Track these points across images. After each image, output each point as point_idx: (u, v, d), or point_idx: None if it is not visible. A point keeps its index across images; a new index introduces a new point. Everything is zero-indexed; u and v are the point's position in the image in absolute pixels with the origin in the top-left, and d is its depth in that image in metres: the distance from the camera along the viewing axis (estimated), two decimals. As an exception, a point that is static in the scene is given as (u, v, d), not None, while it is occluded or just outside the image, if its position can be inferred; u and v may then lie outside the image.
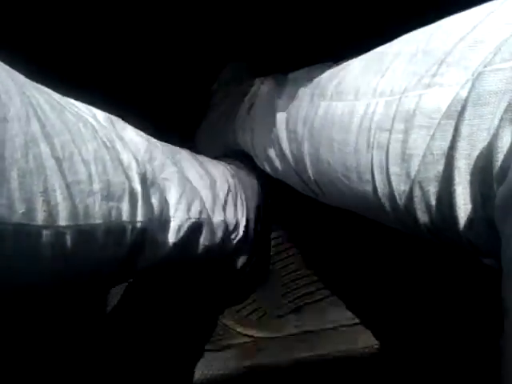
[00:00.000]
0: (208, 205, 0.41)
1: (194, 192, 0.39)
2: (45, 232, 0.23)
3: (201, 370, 0.49)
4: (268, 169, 0.47)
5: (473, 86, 0.21)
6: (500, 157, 0.19)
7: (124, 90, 0.56)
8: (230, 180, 0.47)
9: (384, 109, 0.27)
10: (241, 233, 0.47)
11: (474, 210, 0.22)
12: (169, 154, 0.38)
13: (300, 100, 0.38)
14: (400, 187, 0.27)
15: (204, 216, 0.39)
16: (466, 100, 0.21)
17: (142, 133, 0.36)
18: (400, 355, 0.47)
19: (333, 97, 0.34)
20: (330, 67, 0.37)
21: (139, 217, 0.31)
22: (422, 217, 0.26)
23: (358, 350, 0.48)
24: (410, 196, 0.26)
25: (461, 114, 0.21)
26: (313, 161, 0.36)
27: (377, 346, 0.48)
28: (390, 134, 0.26)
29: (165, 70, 0.59)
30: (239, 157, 0.54)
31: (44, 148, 0.23)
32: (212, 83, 0.59)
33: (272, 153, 0.44)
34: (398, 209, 0.28)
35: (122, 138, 0.31)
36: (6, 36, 0.43)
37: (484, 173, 0.20)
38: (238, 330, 0.51)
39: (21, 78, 0.24)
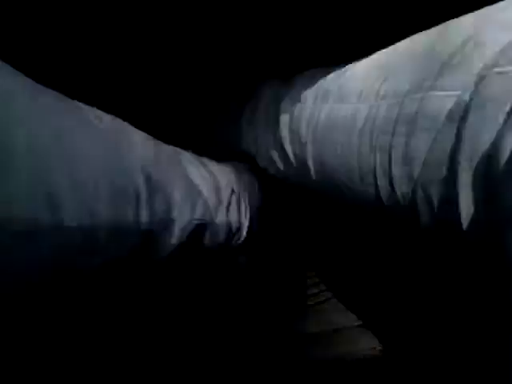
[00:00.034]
0: (211, 206, 0.41)
1: (197, 193, 0.39)
2: (50, 232, 0.23)
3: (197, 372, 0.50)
4: (271, 170, 0.47)
5: (476, 89, 0.21)
6: (503, 159, 0.19)
7: (129, 92, 0.56)
8: (234, 181, 0.47)
9: (386, 112, 0.28)
10: (244, 234, 0.47)
11: (477, 212, 0.22)
12: (173, 156, 0.39)
13: (303, 102, 0.39)
14: (402, 190, 0.27)
15: (207, 217, 0.39)
16: (469, 103, 0.21)
17: (146, 135, 0.36)
18: (402, 357, 0.47)
19: (336, 99, 0.34)
20: (333, 70, 0.37)
21: (143, 218, 0.31)
22: (425, 219, 0.26)
23: (360, 352, 0.49)
24: (412, 198, 0.26)
25: (464, 116, 0.21)
26: (315, 163, 0.36)
27: (379, 348, 0.48)
28: (393, 136, 0.27)
29: (169, 73, 0.59)
30: (242, 158, 0.54)
31: (51, 149, 0.23)
32: (215, 85, 0.59)
33: (275, 154, 0.44)
34: (401, 211, 0.28)
35: (127, 140, 0.31)
36: (7, 38, 0.43)
37: (487, 175, 0.20)
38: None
39: (28, 80, 0.25)
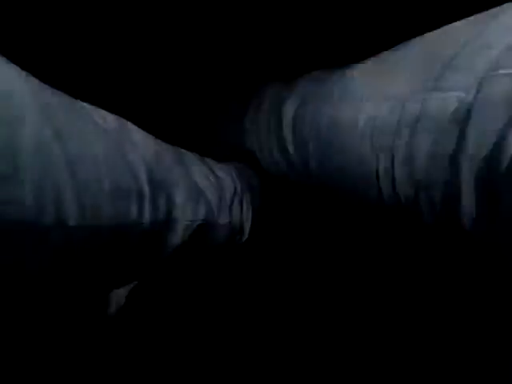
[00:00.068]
0: (214, 206, 0.41)
1: (200, 193, 0.39)
2: (53, 232, 0.23)
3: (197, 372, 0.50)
4: (273, 170, 0.47)
5: (478, 90, 0.21)
6: (506, 160, 0.19)
7: (132, 92, 0.56)
8: (236, 182, 0.48)
9: (389, 113, 0.28)
10: (246, 234, 0.47)
11: (480, 212, 0.22)
12: (176, 156, 0.39)
13: (306, 103, 0.39)
14: (405, 190, 0.27)
15: (210, 217, 0.40)
16: (472, 104, 0.21)
17: (150, 135, 0.36)
18: (402, 356, 0.47)
19: (339, 100, 0.34)
20: (335, 71, 0.37)
21: (146, 218, 0.31)
22: (428, 219, 0.26)
23: (360, 351, 0.49)
24: (414, 199, 0.26)
25: (466, 118, 0.21)
26: (318, 163, 0.36)
27: (380, 348, 0.48)
28: (395, 137, 0.27)
29: (172, 73, 0.59)
30: (245, 159, 0.54)
31: (55, 149, 0.23)
32: (218, 85, 0.59)
33: (277, 155, 0.44)
34: (403, 211, 0.28)
35: (130, 140, 0.32)
36: (12, 38, 0.43)
37: (490, 176, 0.20)
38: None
39: (33, 79, 0.25)
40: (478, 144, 0.21)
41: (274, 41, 0.54)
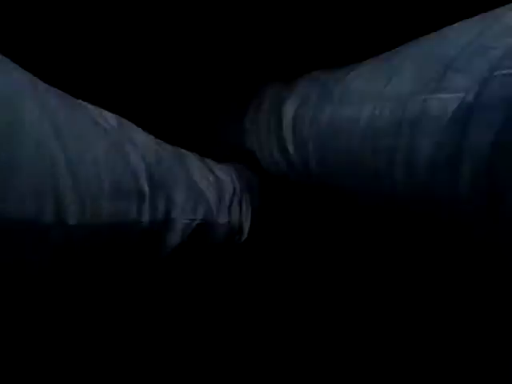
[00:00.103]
0: (213, 206, 0.41)
1: (199, 193, 0.39)
2: (53, 230, 0.23)
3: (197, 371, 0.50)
4: (273, 170, 0.47)
5: (479, 91, 0.21)
6: (506, 161, 0.19)
7: (133, 92, 0.56)
8: (236, 182, 0.48)
9: (390, 113, 0.28)
10: (245, 234, 0.47)
11: (482, 210, 0.22)
12: (176, 156, 0.39)
13: (306, 103, 0.39)
14: (405, 191, 0.27)
15: (209, 217, 0.40)
16: (472, 105, 0.21)
17: (150, 135, 0.36)
18: (401, 357, 0.47)
19: (339, 101, 0.34)
20: (336, 71, 0.37)
21: (145, 217, 0.31)
22: (428, 220, 0.26)
23: (360, 351, 0.49)
24: (415, 200, 0.26)
25: (467, 118, 0.21)
26: (318, 164, 0.36)
27: (380, 349, 0.48)
28: (396, 138, 0.27)
29: (172, 73, 0.59)
30: (244, 159, 0.54)
31: (55, 148, 0.23)
32: (218, 85, 0.59)
33: (277, 155, 0.44)
34: (404, 211, 0.28)
35: (130, 140, 0.32)
36: (13, 38, 0.43)
37: (490, 176, 0.20)
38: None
39: (34, 78, 0.25)
40: (478, 144, 0.21)
41: (273, 41, 0.54)
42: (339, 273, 0.53)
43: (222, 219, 0.42)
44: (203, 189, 0.40)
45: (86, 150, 0.26)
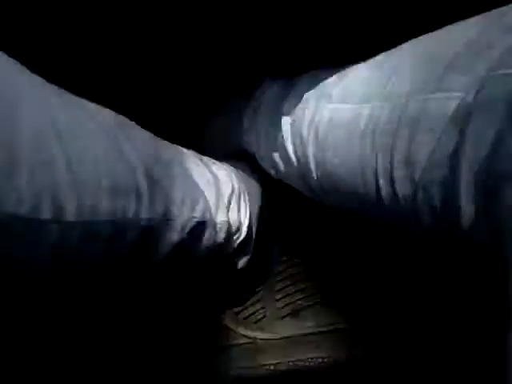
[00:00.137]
0: (212, 205, 0.41)
1: (198, 192, 0.39)
2: (51, 227, 0.23)
3: (200, 371, 0.50)
4: (272, 171, 0.47)
5: (479, 91, 0.21)
6: (505, 161, 0.19)
7: (131, 90, 0.56)
8: (234, 181, 0.47)
9: (389, 113, 0.28)
10: (243, 234, 0.47)
11: (478, 212, 0.22)
12: (174, 154, 0.39)
13: (306, 103, 0.39)
14: (404, 191, 0.27)
15: (208, 216, 0.39)
16: (472, 105, 0.21)
17: (148, 132, 0.36)
18: (401, 357, 0.47)
19: (338, 100, 0.34)
20: (335, 70, 0.37)
21: (144, 215, 0.31)
22: (426, 219, 0.26)
23: (358, 352, 0.49)
24: (413, 199, 0.26)
25: (466, 118, 0.21)
26: (318, 164, 0.36)
27: (378, 349, 0.48)
28: (395, 138, 0.27)
29: (171, 71, 0.59)
30: (243, 158, 0.54)
31: (54, 145, 0.23)
32: (216, 84, 0.59)
33: (276, 155, 0.44)
34: (402, 212, 0.28)
35: (129, 137, 0.31)
36: (9, 35, 0.43)
37: (489, 176, 0.20)
38: (239, 330, 0.51)
39: (33, 75, 0.25)
40: (477, 144, 0.21)
41: (273, 40, 0.54)
42: (338, 272, 0.53)
43: (221, 218, 0.42)
44: (201, 187, 0.40)
45: (84, 147, 0.26)
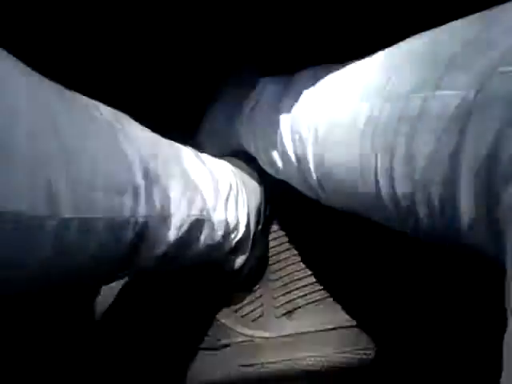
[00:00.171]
0: (209, 203, 0.41)
1: (195, 189, 0.39)
2: (47, 223, 0.23)
3: (198, 369, 0.50)
4: (271, 169, 0.47)
5: (480, 89, 0.21)
6: (505, 160, 0.19)
7: (129, 87, 0.56)
8: (232, 179, 0.47)
9: (389, 111, 0.27)
10: (241, 232, 0.47)
11: (477, 212, 0.22)
12: (172, 152, 0.39)
13: (304, 101, 0.38)
14: (403, 190, 0.27)
15: (205, 214, 0.39)
16: (473, 103, 0.21)
17: (146, 129, 0.36)
18: (399, 356, 0.47)
19: (337, 98, 0.34)
20: (334, 68, 0.37)
21: (141, 212, 0.31)
22: (425, 219, 0.26)
23: (357, 351, 0.49)
24: (413, 198, 0.26)
25: (467, 116, 0.21)
26: (317, 163, 0.36)
27: (376, 348, 0.48)
28: (395, 136, 0.26)
29: (168, 69, 0.59)
30: (242, 156, 0.54)
31: (51, 140, 0.23)
32: (215, 82, 0.59)
33: (275, 154, 0.44)
34: (401, 211, 0.28)
35: (127, 134, 0.31)
36: (7, 32, 0.43)
37: (489, 176, 0.20)
38: (236, 329, 0.51)
39: (30, 71, 0.25)
40: (477, 143, 0.21)
41: (273, 39, 0.54)
42: (338, 274, 0.53)
43: (218, 216, 0.42)
44: (199, 185, 0.40)
45: (81, 143, 0.26)
